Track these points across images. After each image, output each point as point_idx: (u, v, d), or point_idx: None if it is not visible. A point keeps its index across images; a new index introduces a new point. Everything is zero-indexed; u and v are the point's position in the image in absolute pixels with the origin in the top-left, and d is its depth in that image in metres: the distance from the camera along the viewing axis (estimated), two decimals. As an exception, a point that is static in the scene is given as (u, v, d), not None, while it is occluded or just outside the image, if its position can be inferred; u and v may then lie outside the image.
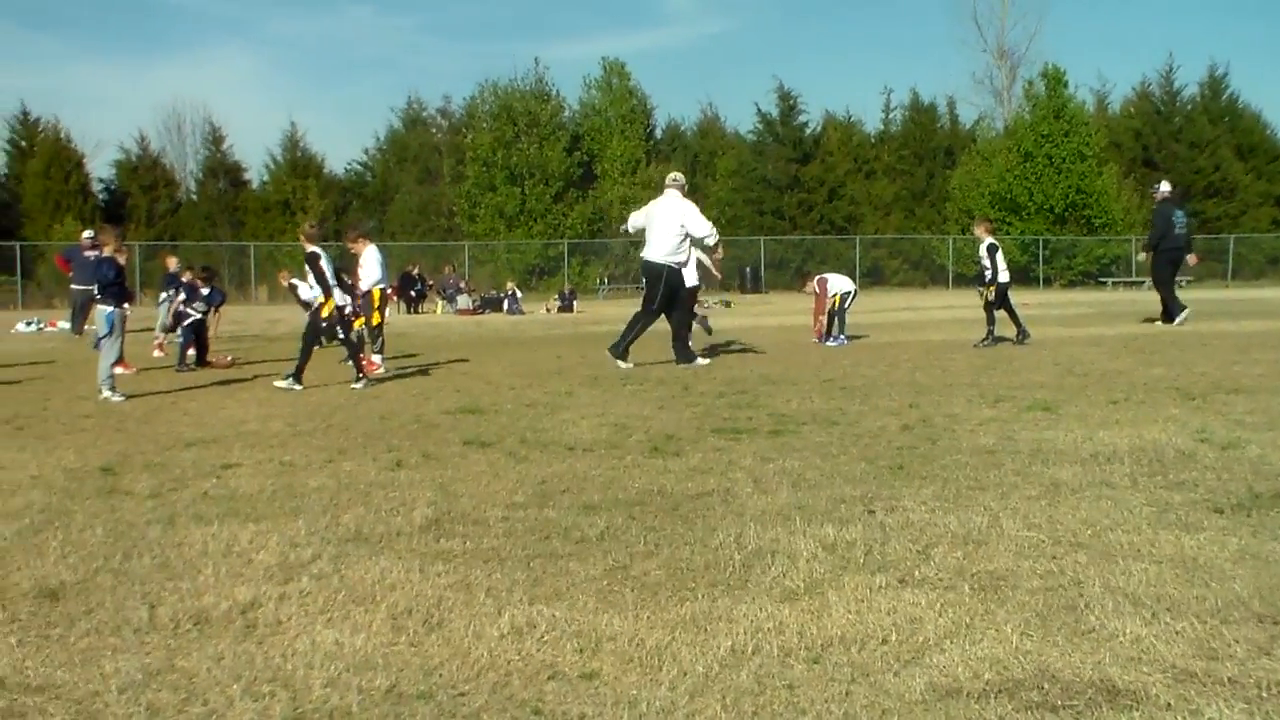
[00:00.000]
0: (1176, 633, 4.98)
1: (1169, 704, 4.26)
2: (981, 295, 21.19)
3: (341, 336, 15.93)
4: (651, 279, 18.24)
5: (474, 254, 54.43)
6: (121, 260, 15.79)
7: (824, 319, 22.30)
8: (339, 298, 15.75)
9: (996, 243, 21.27)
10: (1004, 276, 20.93)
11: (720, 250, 19.75)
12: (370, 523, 7.20)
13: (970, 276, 53.15)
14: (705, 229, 18.06)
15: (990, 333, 20.43)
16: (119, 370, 15.59)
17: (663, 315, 18.17)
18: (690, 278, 18.59)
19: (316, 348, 15.93)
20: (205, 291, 19.88)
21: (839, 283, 22.78)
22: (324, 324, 15.68)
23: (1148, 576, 5.75)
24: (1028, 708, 4.24)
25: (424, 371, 17.70)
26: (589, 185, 59.16)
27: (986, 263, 20.74)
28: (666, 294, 17.84)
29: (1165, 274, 25.60)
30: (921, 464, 8.79)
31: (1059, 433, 10.10)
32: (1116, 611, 5.25)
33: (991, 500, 7.45)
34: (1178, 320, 24.20)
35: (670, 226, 17.67)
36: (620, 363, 17.36)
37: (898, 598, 5.46)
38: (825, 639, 4.95)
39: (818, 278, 23.08)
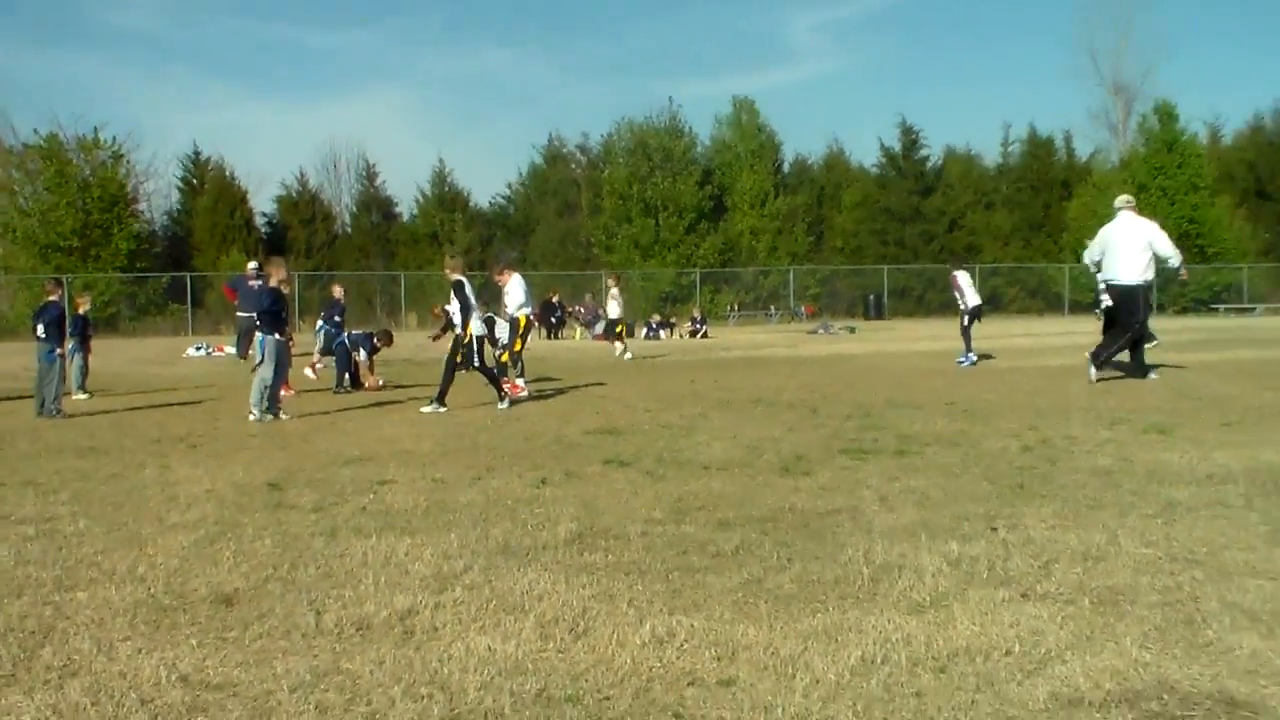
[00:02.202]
0: (1293, 648, 4.90)
1: (1287, 716, 4.20)
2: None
3: (476, 364, 15.92)
4: (1128, 300, 17.33)
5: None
6: (286, 290, 16.07)
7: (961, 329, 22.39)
8: (477, 327, 15.85)
9: None
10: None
11: (1184, 271, 18.96)
12: (518, 536, 7.27)
13: (1086, 304, 52.34)
14: (1170, 249, 17.47)
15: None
16: (282, 394, 15.78)
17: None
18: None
19: (462, 373, 16.00)
20: (370, 337, 20.09)
21: (971, 295, 22.61)
22: (464, 351, 15.72)
23: (1264, 592, 5.65)
24: (1148, 718, 4.20)
25: (564, 394, 17.80)
26: (720, 217, 59.01)
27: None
28: (1144, 310, 17.45)
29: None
30: (1041, 483, 8.68)
31: (1174, 454, 9.92)
32: (1233, 626, 5.16)
33: (1109, 518, 7.35)
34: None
35: (1138, 245, 17.14)
36: (1094, 369, 17.09)
37: (1020, 611, 5.42)
38: (951, 650, 4.93)
39: (955, 272, 23.00)
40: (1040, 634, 5.09)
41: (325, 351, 21.38)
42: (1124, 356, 17.77)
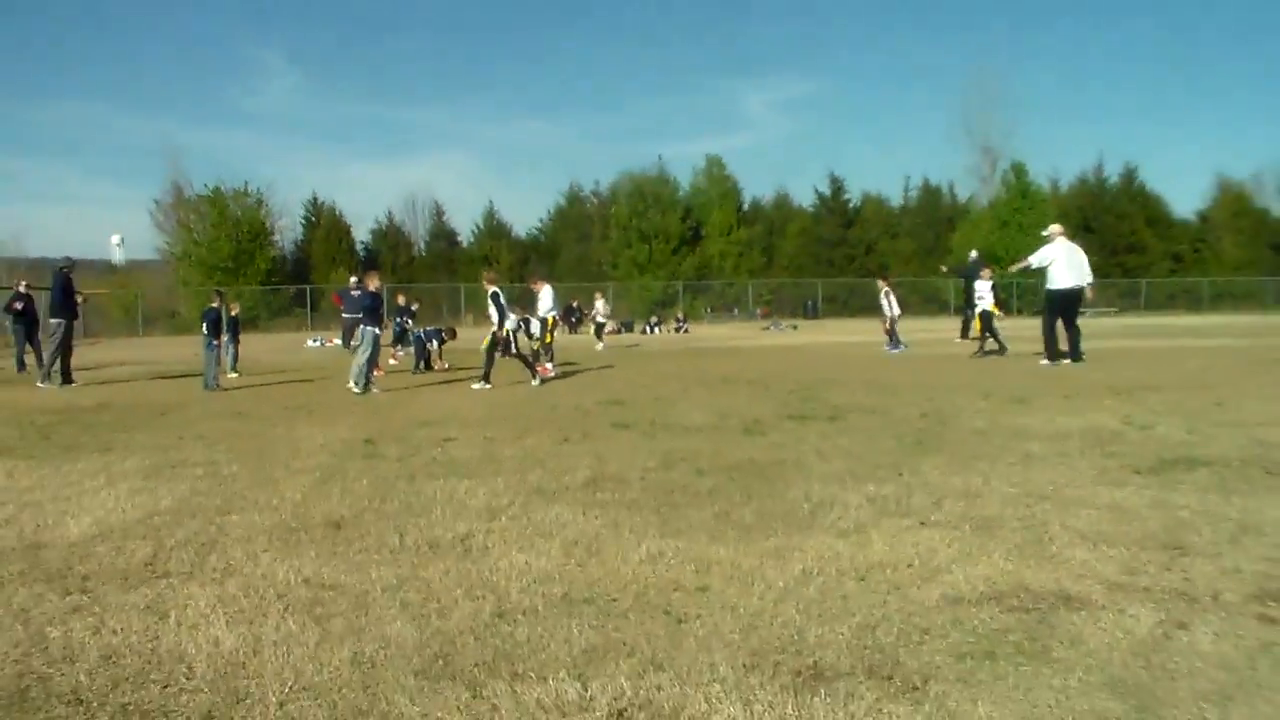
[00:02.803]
0: (1110, 557, 4.94)
1: (1104, 605, 4.27)
2: (977, 318, 21.11)
3: (514, 352, 15.89)
4: (1072, 302, 17.12)
5: (617, 292, 54.45)
6: (380, 294, 16.06)
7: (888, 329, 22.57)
8: (511, 323, 15.80)
9: (996, 281, 21.37)
10: (989, 305, 20.73)
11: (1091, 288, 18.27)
12: (547, 480, 7.27)
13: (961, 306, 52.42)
14: (1088, 268, 17.43)
15: (1000, 345, 19.99)
16: (375, 374, 15.79)
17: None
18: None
19: (502, 358, 15.92)
20: (440, 332, 20.12)
21: (894, 306, 22.73)
22: (503, 342, 15.68)
23: (1092, 519, 5.68)
24: (1009, 610, 4.23)
25: (581, 375, 17.78)
26: (697, 243, 58.96)
27: (987, 294, 20.94)
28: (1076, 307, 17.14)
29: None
30: (935, 440, 8.69)
31: (1030, 418, 9.91)
32: (1070, 543, 5.20)
33: (984, 466, 7.36)
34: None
35: (1076, 261, 17.10)
36: (1066, 361, 16.59)
37: (919, 535, 5.43)
38: (869, 564, 4.94)
39: (886, 289, 22.83)
40: (934, 552, 5.10)
41: (397, 342, 21.91)
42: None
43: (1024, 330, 24.48)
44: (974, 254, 28.78)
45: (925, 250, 59.14)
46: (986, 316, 20.58)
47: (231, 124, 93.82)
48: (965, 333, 25.29)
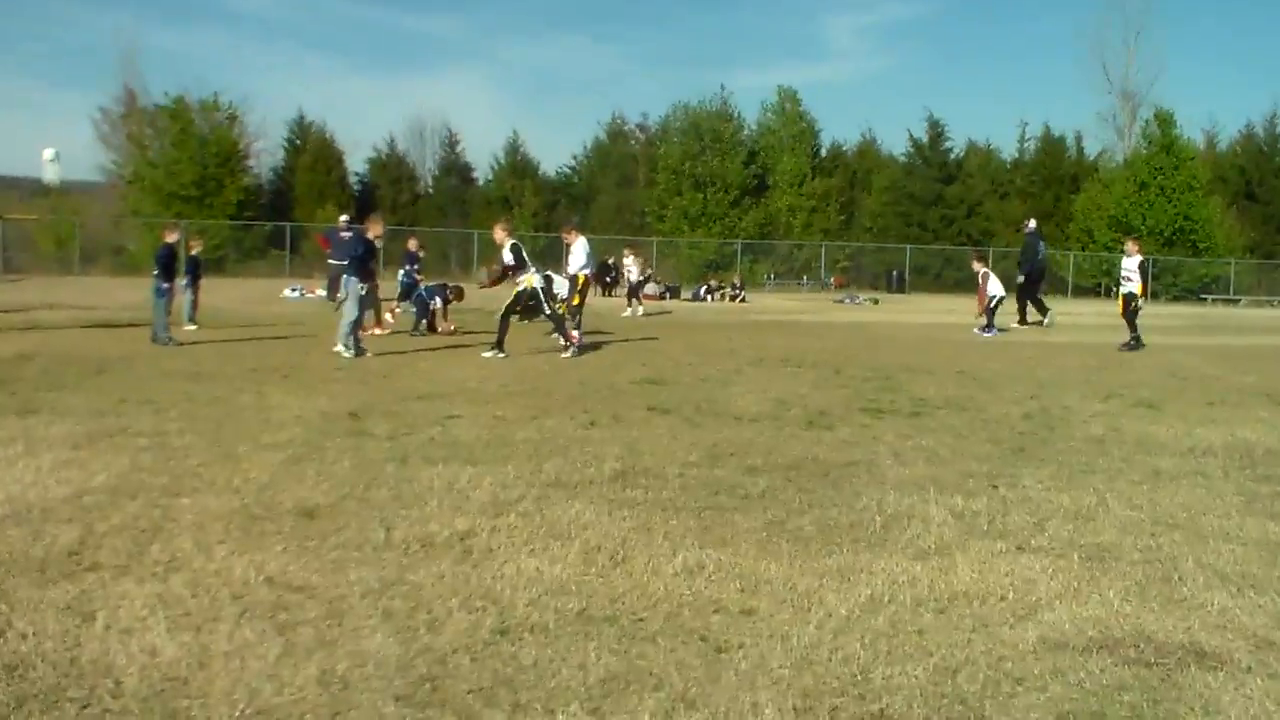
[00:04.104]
0: (1259, 606, 4.86)
1: (1249, 667, 4.17)
2: (1119, 299, 20.81)
3: (547, 313, 16.00)
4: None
5: (661, 249, 54.34)
6: (379, 244, 16.10)
7: (985, 310, 22.79)
8: (538, 280, 15.84)
9: (1144, 259, 20.73)
10: (1136, 288, 20.24)
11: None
12: (568, 471, 7.29)
13: (1087, 287, 51.74)
14: None
15: (1135, 337, 19.62)
16: (369, 333, 15.89)
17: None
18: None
19: (522, 323, 15.98)
20: (444, 289, 20.20)
21: (995, 286, 22.88)
22: (523, 302, 15.72)
23: (1235, 556, 5.60)
24: (1125, 663, 4.17)
25: (616, 346, 17.78)
26: (761, 194, 58.53)
27: (1134, 275, 20.09)
28: None
29: (1033, 290, 26.78)
30: (1039, 448, 8.63)
31: (1161, 427, 9.82)
32: (1206, 585, 5.12)
33: (1100, 482, 7.29)
34: (1047, 320, 25.40)
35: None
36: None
37: (1015, 562, 5.39)
38: (951, 593, 4.91)
39: (983, 271, 23.23)
40: (1032, 583, 5.06)
41: (403, 298, 21.34)
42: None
43: (1161, 319, 24.21)
44: (1031, 223, 29.02)
45: (1042, 215, 58.31)
46: (1130, 301, 20.15)
47: (202, 21, 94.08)
48: (1024, 317, 25.84)
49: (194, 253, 19.92)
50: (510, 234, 16.16)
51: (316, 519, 5.94)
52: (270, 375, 12.38)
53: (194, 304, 19.23)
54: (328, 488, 6.66)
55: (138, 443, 7.96)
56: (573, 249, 18.47)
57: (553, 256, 17.97)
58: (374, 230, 16.04)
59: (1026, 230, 28.50)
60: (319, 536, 5.59)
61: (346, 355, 14.50)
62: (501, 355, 15.04)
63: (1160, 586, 5.09)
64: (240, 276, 44.61)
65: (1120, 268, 21.43)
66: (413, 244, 22.38)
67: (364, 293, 15.30)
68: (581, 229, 19.48)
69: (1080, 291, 52.14)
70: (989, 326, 22.57)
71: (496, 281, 16.86)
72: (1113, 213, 54.33)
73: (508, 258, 15.72)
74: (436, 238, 48.13)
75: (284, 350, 15.51)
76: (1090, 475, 7.56)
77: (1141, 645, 4.36)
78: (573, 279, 18.24)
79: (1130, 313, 19.81)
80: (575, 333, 17.73)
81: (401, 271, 21.62)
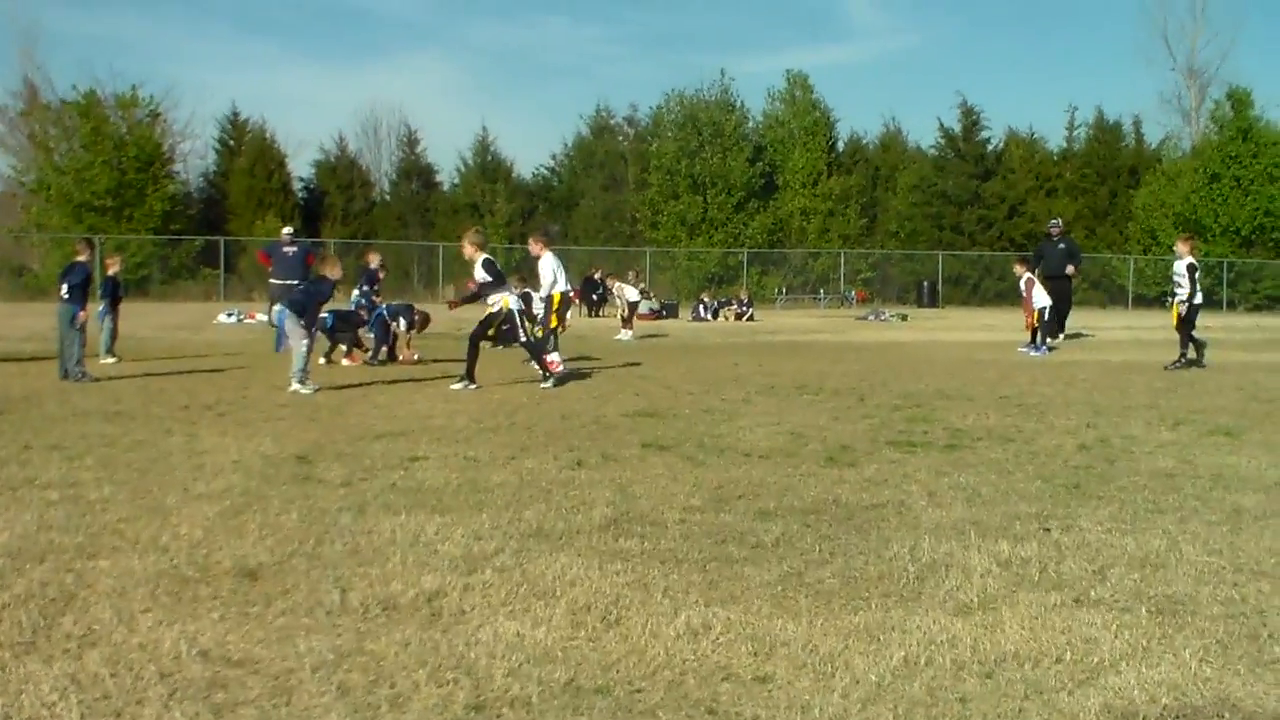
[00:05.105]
0: (1367, 671, 4.83)
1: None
2: (1172, 309, 20.65)
3: (522, 340, 16.01)
4: None
5: (655, 260, 54.51)
6: (334, 277, 15.94)
7: (1033, 321, 23.04)
8: (514, 301, 15.86)
9: (1196, 263, 20.54)
10: (1199, 298, 20.12)
11: None
12: (551, 519, 7.29)
13: (1151, 297, 51.71)
14: None
15: (1184, 355, 19.58)
16: (345, 362, 16.30)
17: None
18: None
19: (496, 349, 15.98)
20: (410, 310, 20.17)
21: (1042, 296, 23.03)
22: (495, 325, 15.70)
23: (1334, 609, 5.58)
24: (1205, 735, 4.15)
25: (604, 374, 17.79)
26: (770, 196, 58.78)
27: (1184, 281, 20.01)
28: None
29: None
30: (1098, 484, 8.63)
31: (1241, 459, 9.83)
32: (1301, 644, 5.11)
33: (1170, 524, 7.29)
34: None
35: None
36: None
37: (1073, 617, 5.37)
38: (999, 655, 4.89)
39: (1026, 277, 23.31)
40: (1093, 642, 5.05)
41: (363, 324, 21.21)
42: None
43: (1239, 332, 24.29)
44: (1056, 222, 29.56)
45: (1096, 214, 58.89)
46: (1184, 310, 20.13)
47: (115, 0, 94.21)
48: (1059, 329, 26.28)
49: (111, 273, 19.88)
50: (482, 248, 16.16)
51: (259, 580, 5.92)
52: (203, 414, 12.37)
53: (112, 333, 19.21)
54: (272, 544, 6.65)
55: (46, 495, 7.93)
56: (540, 266, 18.29)
57: (531, 270, 17.89)
58: (331, 270, 15.95)
59: (1056, 230, 29.15)
60: (262, 601, 5.57)
61: (305, 393, 14.38)
62: (473, 386, 15.07)
63: (1245, 645, 5.07)
64: (166, 300, 44.74)
65: (1172, 273, 21.39)
66: (374, 260, 22.26)
67: (302, 325, 15.10)
68: (552, 241, 19.42)
69: (1143, 302, 52.23)
70: (1038, 343, 22.63)
71: (469, 300, 16.87)
72: (1179, 210, 54.42)
73: (481, 275, 15.73)
74: (396, 251, 48.21)
75: (219, 384, 15.51)
76: (1159, 515, 7.56)
77: (1226, 715, 4.34)
78: (548, 299, 18.20)
79: (1184, 325, 19.76)
80: (554, 359, 17.72)
81: (357, 291, 21.48)
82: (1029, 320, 23.16)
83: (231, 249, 50.01)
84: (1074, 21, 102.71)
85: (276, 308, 15.09)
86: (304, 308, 15.13)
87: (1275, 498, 8.17)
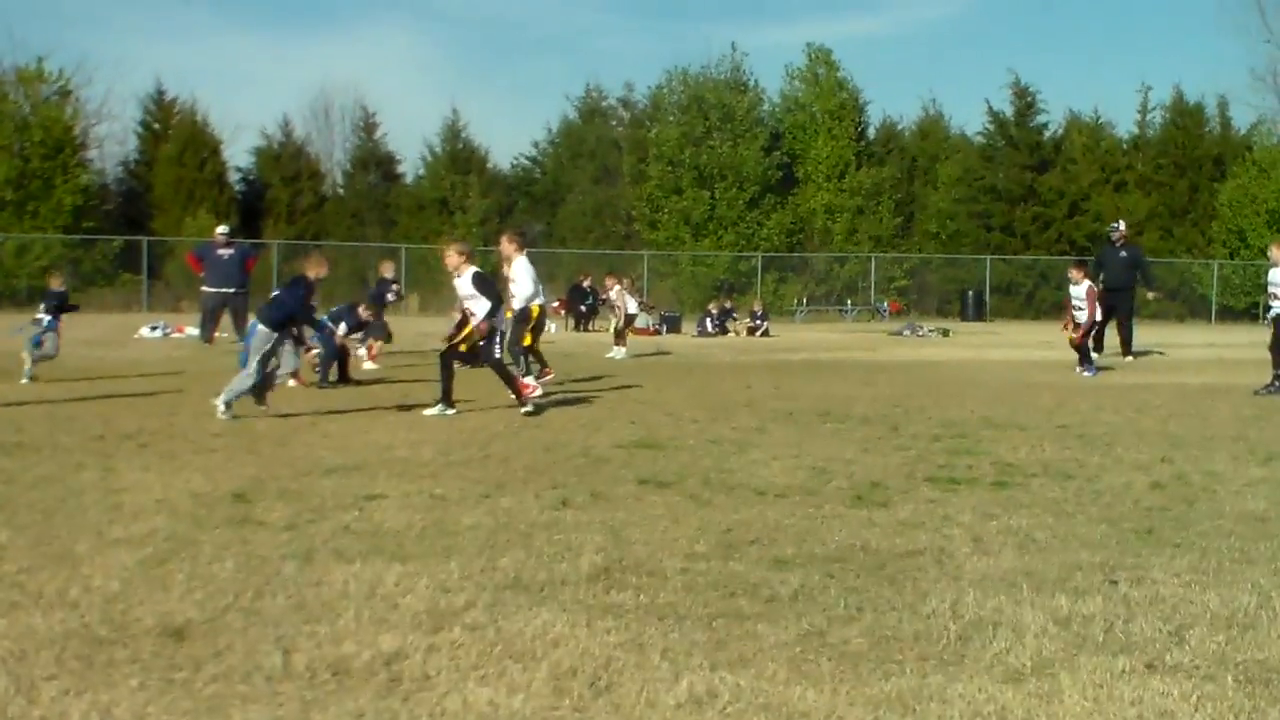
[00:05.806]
0: None
1: None
2: (1270, 325, 20.56)
3: (495, 356, 15.98)
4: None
5: (654, 265, 54.57)
6: (314, 276, 15.95)
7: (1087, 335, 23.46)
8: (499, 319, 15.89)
9: None
10: None
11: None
12: (531, 568, 7.30)
13: (1238, 310, 51.81)
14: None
15: (1277, 377, 19.48)
16: (291, 383, 16.88)
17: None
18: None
19: (472, 369, 15.99)
20: (369, 323, 20.27)
21: (1099, 312, 23.17)
22: (474, 342, 15.73)
23: None
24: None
25: (594, 398, 17.85)
26: (789, 191, 58.92)
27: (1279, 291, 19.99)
28: None
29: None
30: (1175, 529, 8.64)
31: (1343, 499, 9.84)
32: None
33: (1262, 576, 7.30)
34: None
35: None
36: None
37: (1144, 686, 5.37)
38: (1057, 729, 4.89)
39: (1087, 285, 23.56)
40: (1170, 715, 5.06)
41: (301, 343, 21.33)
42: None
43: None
44: (1117, 226, 29.87)
45: (1174, 211, 59.05)
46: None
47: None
48: (1127, 348, 27.10)
49: (56, 288, 20.14)
50: (470, 258, 16.17)
51: (187, 640, 5.91)
52: (122, 445, 12.39)
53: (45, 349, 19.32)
54: (202, 597, 6.64)
55: (-66, 541, 7.94)
56: (513, 271, 18.33)
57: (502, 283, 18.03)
58: (315, 270, 15.91)
59: (1117, 235, 29.41)
60: (190, 665, 5.56)
61: (222, 416, 14.35)
62: (450, 412, 15.20)
63: (1346, 719, 5.08)
64: (79, 311, 44.65)
65: (1267, 282, 21.34)
66: (314, 271, 22.23)
67: (269, 347, 15.08)
68: (522, 242, 19.20)
69: (1229, 315, 52.28)
70: (1089, 364, 23.07)
71: (460, 329, 16.65)
72: (1273, 206, 54.49)
73: (466, 289, 15.66)
74: (350, 255, 48.24)
75: (142, 410, 15.51)
76: (1247, 566, 7.57)
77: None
78: (522, 312, 18.15)
79: (1276, 341, 19.66)
80: (529, 381, 17.65)
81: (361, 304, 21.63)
82: (1078, 336, 23.30)
83: (156, 251, 49.96)
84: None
85: (252, 322, 15.04)
86: (279, 323, 15.21)
87: (1384, 545, 8.19)
